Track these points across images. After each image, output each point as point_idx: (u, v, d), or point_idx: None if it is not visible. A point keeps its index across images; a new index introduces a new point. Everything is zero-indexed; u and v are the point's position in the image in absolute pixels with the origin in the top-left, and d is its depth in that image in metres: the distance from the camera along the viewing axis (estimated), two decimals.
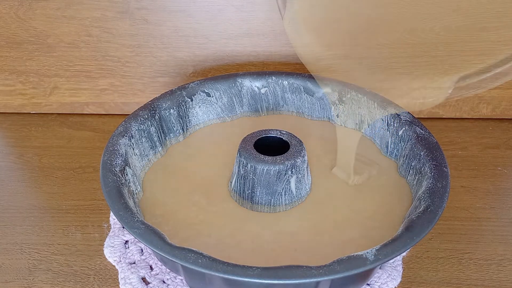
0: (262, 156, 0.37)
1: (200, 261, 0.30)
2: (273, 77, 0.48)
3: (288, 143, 0.39)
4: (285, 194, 0.38)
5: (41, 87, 0.58)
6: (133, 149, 0.41)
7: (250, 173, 0.37)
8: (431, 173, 0.37)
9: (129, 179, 0.38)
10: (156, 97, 0.45)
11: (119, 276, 0.37)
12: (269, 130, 0.40)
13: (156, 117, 0.43)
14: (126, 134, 0.40)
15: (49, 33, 0.54)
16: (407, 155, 0.41)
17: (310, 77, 0.47)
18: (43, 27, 0.54)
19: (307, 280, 0.29)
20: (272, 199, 0.38)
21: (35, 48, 0.55)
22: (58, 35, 0.54)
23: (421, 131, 0.41)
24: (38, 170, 0.49)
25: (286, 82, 0.48)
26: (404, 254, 0.39)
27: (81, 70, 0.56)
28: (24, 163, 0.51)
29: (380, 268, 0.37)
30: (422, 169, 0.38)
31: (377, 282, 0.36)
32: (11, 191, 0.47)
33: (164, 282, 0.37)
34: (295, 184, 0.38)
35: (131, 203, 0.35)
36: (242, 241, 0.35)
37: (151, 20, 0.53)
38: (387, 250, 0.31)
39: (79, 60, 0.56)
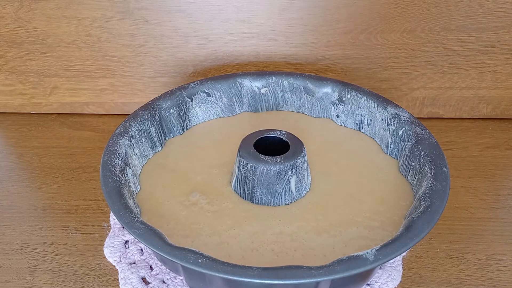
0: (262, 156, 0.37)
1: (200, 261, 0.30)
2: (273, 77, 0.48)
3: (288, 143, 0.39)
4: (285, 194, 0.38)
5: (41, 87, 0.58)
6: (133, 149, 0.41)
7: (250, 173, 0.37)
8: (431, 173, 0.37)
9: (129, 179, 0.38)
10: (156, 97, 0.45)
11: (119, 276, 0.37)
12: (269, 130, 0.40)
13: (156, 117, 0.43)
14: (126, 134, 0.40)
15: (49, 33, 0.54)
16: (407, 155, 0.41)
17: (310, 77, 0.47)
18: (43, 27, 0.54)
19: (307, 281, 0.29)
20: (272, 199, 0.38)
21: (35, 48, 0.55)
22: (58, 35, 0.54)
23: (421, 131, 0.41)
24: (38, 170, 0.49)
25: (286, 82, 0.48)
26: (404, 254, 0.39)
27: (81, 70, 0.56)
28: (24, 163, 0.51)
29: (380, 268, 0.37)
30: (422, 169, 0.38)
31: (377, 282, 0.36)
32: (11, 191, 0.47)
33: (164, 282, 0.37)
34: (295, 184, 0.38)
35: (131, 203, 0.35)
36: (242, 241, 0.35)
37: (151, 20, 0.53)
38: (387, 250, 0.31)
39: (79, 60, 0.56)
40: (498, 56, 0.54)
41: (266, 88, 0.48)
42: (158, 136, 0.44)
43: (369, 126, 0.45)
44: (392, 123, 0.43)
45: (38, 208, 0.45)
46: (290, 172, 0.37)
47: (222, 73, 0.55)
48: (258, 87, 0.48)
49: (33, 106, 0.59)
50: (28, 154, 0.52)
